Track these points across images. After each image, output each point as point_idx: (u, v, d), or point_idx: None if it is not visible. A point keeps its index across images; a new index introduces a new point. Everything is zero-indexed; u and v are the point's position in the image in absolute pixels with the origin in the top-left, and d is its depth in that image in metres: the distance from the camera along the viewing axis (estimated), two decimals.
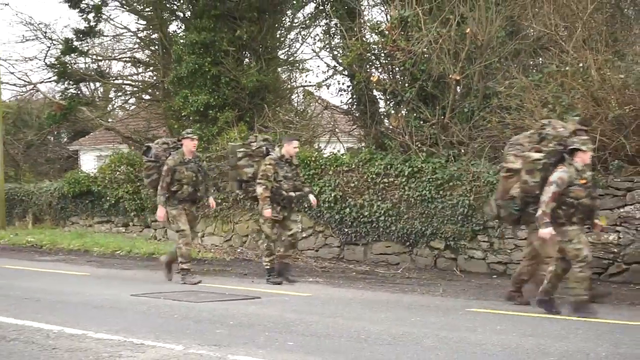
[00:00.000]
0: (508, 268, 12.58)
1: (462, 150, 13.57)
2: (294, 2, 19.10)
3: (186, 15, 21.05)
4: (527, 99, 12.29)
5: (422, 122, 13.93)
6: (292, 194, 11.51)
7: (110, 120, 28.83)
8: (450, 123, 13.71)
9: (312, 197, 11.86)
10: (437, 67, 13.68)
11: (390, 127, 14.76)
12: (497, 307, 9.34)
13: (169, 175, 11.43)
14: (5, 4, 33.67)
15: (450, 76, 13.62)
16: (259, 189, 11.29)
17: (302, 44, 22.13)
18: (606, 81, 11.88)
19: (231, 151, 12.13)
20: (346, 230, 14.31)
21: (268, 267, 11.62)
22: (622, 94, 11.89)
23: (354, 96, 16.40)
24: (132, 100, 27.78)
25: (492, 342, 7.07)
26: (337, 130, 17.28)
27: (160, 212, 11.57)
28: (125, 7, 23.50)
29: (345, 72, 16.48)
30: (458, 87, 13.91)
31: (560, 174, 8.73)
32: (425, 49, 13.86)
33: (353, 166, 14.13)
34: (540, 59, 12.66)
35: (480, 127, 13.35)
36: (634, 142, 11.71)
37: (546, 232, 8.66)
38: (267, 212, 11.25)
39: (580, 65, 12.24)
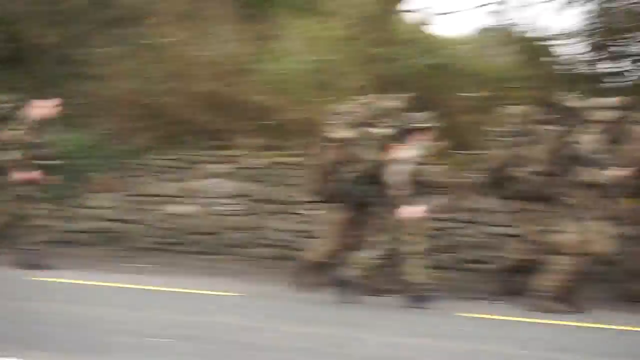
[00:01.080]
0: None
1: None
2: None
3: None
4: (113, 70, 12.28)
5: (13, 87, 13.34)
6: None
7: None
8: (42, 90, 13.25)
9: None
10: (31, 29, 13.20)
11: None
12: None
13: None
14: None
15: (42, 41, 13.19)
16: None
17: None
18: (193, 58, 12.22)
19: None
20: None
21: None
22: (211, 70, 12.30)
23: None
24: None
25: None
26: None
27: None
28: None
29: None
30: (49, 53, 13.49)
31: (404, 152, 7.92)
32: (20, 9, 13.29)
33: None
34: (131, 30, 12.68)
35: (71, 95, 13.06)
36: (218, 119, 12.26)
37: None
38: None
39: (169, 40, 12.45)
